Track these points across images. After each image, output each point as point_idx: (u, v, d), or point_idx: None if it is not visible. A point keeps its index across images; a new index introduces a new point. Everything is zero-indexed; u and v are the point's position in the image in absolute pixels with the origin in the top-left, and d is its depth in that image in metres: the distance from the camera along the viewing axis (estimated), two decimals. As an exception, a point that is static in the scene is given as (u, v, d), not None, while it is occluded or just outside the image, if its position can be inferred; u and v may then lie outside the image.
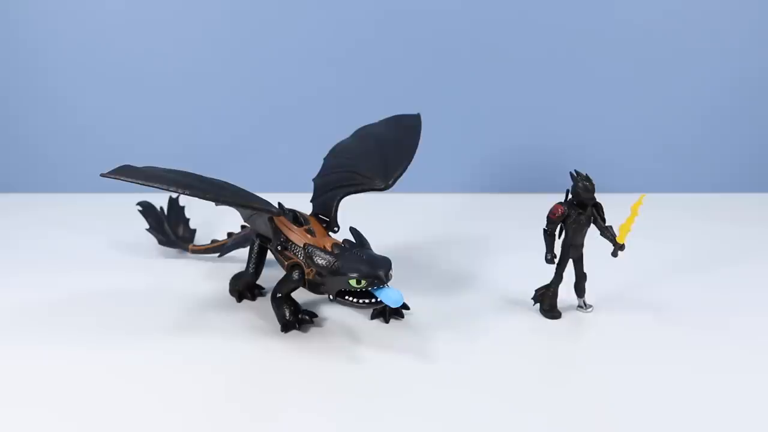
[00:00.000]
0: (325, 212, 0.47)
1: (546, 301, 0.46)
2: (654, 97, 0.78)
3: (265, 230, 0.46)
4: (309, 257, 0.41)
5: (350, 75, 0.77)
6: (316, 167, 0.51)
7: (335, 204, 0.46)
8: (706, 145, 0.80)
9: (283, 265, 0.44)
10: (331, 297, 0.41)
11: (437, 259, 0.57)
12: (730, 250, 0.60)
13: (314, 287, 0.42)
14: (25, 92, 0.77)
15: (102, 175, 0.40)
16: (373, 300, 0.39)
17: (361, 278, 0.39)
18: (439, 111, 0.78)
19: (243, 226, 0.54)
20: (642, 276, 0.53)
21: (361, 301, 0.39)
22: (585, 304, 0.47)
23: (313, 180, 0.51)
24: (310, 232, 0.44)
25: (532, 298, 0.46)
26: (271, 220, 0.45)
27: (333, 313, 0.46)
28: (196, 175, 0.43)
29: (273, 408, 0.35)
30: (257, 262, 0.48)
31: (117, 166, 0.41)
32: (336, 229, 0.46)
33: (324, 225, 0.46)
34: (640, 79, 0.77)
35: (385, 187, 0.46)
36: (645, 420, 0.34)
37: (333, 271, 0.40)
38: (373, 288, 0.39)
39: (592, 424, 0.34)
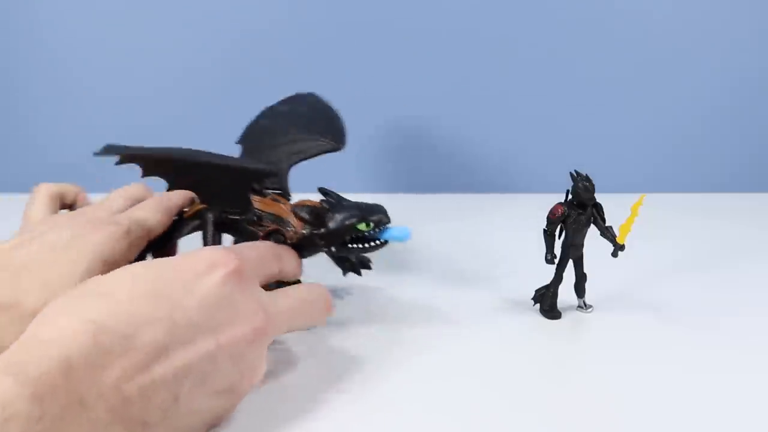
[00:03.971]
0: (275, 185, 0.46)
1: (546, 301, 0.46)
2: (654, 97, 0.78)
3: (239, 205, 0.44)
4: (303, 217, 0.41)
5: (337, 75, 0.77)
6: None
7: (286, 173, 0.47)
8: (706, 145, 0.80)
9: (253, 238, 0.43)
10: (333, 249, 0.41)
11: (437, 259, 0.57)
12: (730, 249, 0.60)
13: (299, 249, 0.41)
14: (25, 92, 0.77)
15: (95, 154, 0.41)
16: (380, 241, 0.41)
17: (371, 221, 0.40)
18: (438, 111, 0.78)
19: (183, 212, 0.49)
20: (642, 276, 0.53)
21: (370, 244, 0.41)
22: (585, 304, 0.47)
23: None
24: (275, 200, 0.44)
25: (532, 299, 0.46)
26: (246, 192, 0.43)
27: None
28: (184, 148, 0.43)
29: (270, 405, 0.35)
30: (217, 241, 0.45)
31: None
32: (289, 198, 0.46)
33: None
34: (639, 79, 0.77)
35: (338, 148, 0.47)
36: (645, 420, 0.34)
37: (339, 221, 0.40)
38: (380, 229, 0.40)
39: (593, 423, 0.34)
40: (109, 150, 0.41)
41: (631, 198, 0.45)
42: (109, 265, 0.36)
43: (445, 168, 0.79)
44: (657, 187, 0.77)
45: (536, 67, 0.77)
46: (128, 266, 0.32)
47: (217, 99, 0.77)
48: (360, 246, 0.41)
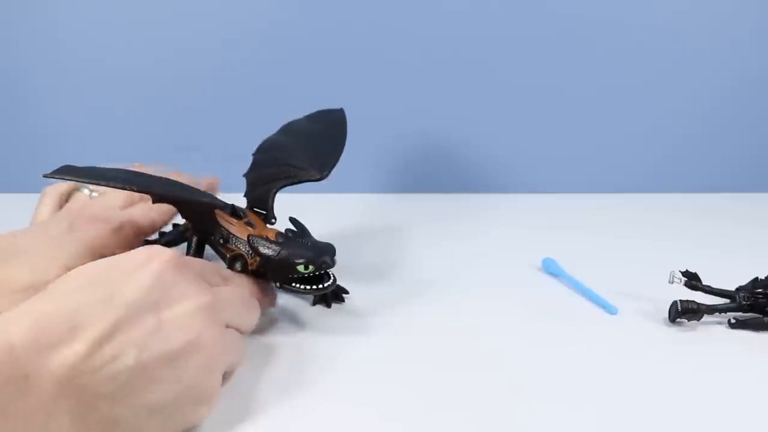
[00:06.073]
0: (261, 205, 0.48)
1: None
2: (654, 97, 0.78)
3: (207, 225, 0.45)
4: (254, 248, 0.42)
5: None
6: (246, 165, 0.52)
7: (271, 196, 0.47)
8: (706, 145, 0.80)
9: (224, 258, 0.44)
10: (277, 285, 0.42)
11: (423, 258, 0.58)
12: (730, 249, 0.60)
13: (259, 277, 0.43)
14: (25, 92, 0.77)
15: (45, 175, 0.41)
16: (319, 286, 0.41)
17: (308, 263, 0.40)
18: (435, 112, 0.78)
19: (175, 225, 0.53)
20: (642, 275, 0.53)
21: (307, 287, 0.41)
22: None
23: (245, 176, 0.51)
24: (249, 224, 0.44)
25: (676, 316, 0.45)
26: (212, 214, 0.45)
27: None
28: (138, 172, 0.45)
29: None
30: (197, 257, 0.47)
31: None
32: (273, 221, 0.47)
33: (261, 218, 0.47)
34: (639, 80, 0.77)
35: (321, 178, 0.47)
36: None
37: (280, 259, 0.41)
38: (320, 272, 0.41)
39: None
40: (61, 172, 0.42)
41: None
42: (96, 255, 0.42)
43: (449, 169, 0.79)
44: (657, 187, 0.77)
45: (534, 67, 0.77)
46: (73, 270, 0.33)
47: (220, 98, 0.77)
48: (300, 286, 0.41)
